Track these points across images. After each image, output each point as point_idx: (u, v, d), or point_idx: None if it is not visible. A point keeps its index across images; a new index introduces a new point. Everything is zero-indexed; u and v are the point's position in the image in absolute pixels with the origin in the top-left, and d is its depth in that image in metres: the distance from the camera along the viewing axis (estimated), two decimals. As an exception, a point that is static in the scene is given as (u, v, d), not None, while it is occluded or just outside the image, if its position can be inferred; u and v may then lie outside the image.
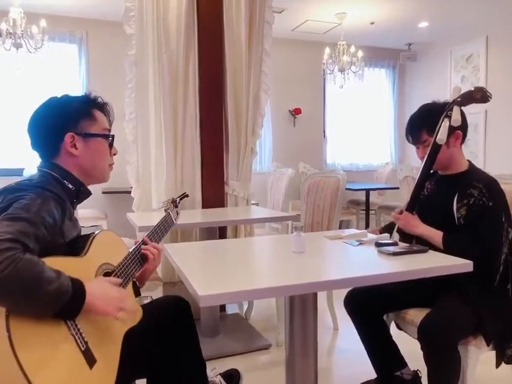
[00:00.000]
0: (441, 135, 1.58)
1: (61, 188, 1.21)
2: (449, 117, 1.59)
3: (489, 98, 1.59)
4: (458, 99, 1.61)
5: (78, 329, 1.02)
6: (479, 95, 1.59)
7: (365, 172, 6.29)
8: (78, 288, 0.99)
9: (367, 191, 4.97)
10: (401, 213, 1.72)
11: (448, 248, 1.55)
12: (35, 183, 1.15)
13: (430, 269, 1.31)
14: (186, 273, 1.23)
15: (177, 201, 1.72)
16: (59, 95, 1.30)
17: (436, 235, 1.62)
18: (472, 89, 1.61)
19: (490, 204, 1.55)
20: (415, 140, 1.75)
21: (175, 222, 1.64)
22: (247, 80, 2.94)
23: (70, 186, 1.25)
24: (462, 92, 1.63)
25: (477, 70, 5.51)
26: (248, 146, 2.99)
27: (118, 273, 1.22)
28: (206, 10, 2.82)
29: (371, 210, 5.11)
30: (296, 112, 5.98)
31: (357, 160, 6.39)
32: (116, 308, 1.08)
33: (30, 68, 4.49)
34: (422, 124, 1.71)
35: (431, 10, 4.91)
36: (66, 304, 0.96)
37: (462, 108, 1.63)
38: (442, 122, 1.60)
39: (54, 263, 0.98)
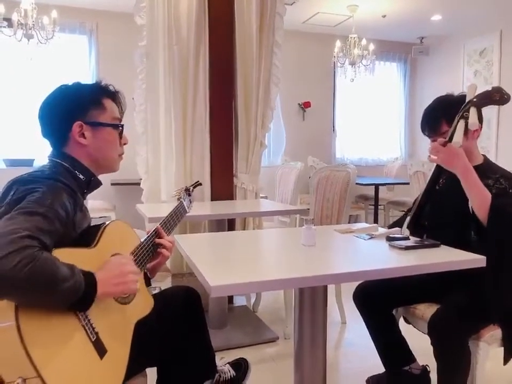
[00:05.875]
0: (457, 137, 1.49)
1: (72, 179, 1.21)
2: (465, 118, 1.50)
3: (508, 101, 1.49)
4: (475, 99, 1.50)
5: (89, 320, 1.02)
6: (497, 97, 1.49)
7: (374, 167, 6.24)
8: (90, 283, 0.98)
9: (376, 186, 4.93)
10: (445, 144, 1.52)
11: (495, 206, 1.43)
12: (47, 174, 1.15)
13: (442, 264, 1.30)
14: (197, 264, 1.23)
15: (191, 190, 1.69)
16: (70, 83, 1.28)
17: (482, 187, 1.47)
18: (489, 89, 1.51)
19: (510, 191, 1.51)
20: (433, 130, 1.67)
21: (188, 210, 1.62)
22: (258, 72, 2.93)
23: (81, 176, 1.24)
24: (477, 89, 1.53)
25: (490, 64, 5.43)
26: (258, 139, 2.98)
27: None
28: (217, 2, 2.80)
29: (380, 205, 5.08)
30: (305, 105, 5.94)
31: (366, 155, 6.35)
32: (133, 283, 1.10)
33: (41, 59, 4.50)
34: (442, 113, 1.64)
35: (444, 3, 4.84)
36: (80, 299, 0.95)
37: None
38: (457, 123, 1.51)
39: (65, 254, 0.98)
